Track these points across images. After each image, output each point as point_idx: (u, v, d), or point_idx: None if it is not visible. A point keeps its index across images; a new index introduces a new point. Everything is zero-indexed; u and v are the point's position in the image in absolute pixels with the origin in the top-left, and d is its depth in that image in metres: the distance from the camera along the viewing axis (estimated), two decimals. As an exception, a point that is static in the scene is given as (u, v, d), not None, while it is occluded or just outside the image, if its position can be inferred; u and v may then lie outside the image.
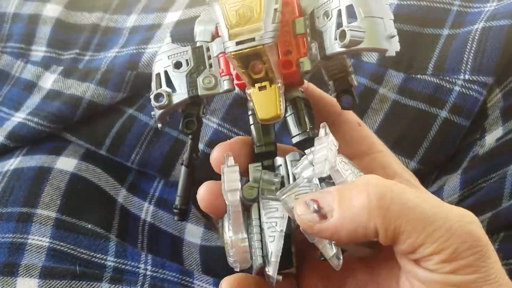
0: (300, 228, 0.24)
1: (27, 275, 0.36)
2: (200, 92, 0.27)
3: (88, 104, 0.44)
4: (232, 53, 0.24)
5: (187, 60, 0.28)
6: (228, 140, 0.28)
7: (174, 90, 0.28)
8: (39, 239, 0.38)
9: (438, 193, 0.39)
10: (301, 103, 0.27)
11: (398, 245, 0.22)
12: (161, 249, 0.42)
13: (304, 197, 0.24)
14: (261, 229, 0.25)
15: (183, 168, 0.30)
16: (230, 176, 0.25)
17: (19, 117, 0.47)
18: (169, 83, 0.28)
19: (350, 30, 0.23)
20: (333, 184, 0.24)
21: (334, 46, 0.24)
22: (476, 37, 0.41)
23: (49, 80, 0.48)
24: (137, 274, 0.37)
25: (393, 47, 0.25)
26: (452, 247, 0.21)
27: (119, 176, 0.44)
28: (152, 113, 0.29)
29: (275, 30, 0.24)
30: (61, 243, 0.38)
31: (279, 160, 0.27)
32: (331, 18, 0.25)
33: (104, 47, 0.50)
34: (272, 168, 0.27)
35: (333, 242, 0.24)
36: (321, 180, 0.25)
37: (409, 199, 0.22)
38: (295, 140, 0.27)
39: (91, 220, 0.40)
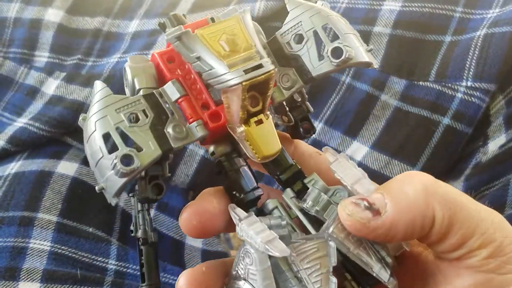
0: (350, 236, 0.22)
1: (29, 279, 0.36)
2: (174, 144, 0.23)
3: None
4: (243, 83, 0.22)
5: (143, 111, 0.23)
6: (195, 199, 0.25)
7: (139, 149, 0.22)
8: (40, 243, 0.38)
9: (440, 200, 0.39)
10: None
11: (448, 238, 0.21)
12: (162, 253, 0.42)
13: (348, 199, 0.22)
14: (299, 279, 0.22)
15: (145, 248, 0.26)
16: (257, 227, 0.22)
17: (21, 122, 0.47)
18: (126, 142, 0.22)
19: (345, 46, 0.23)
20: None
21: (323, 65, 0.24)
22: (479, 44, 0.41)
23: (52, 86, 0.49)
24: (138, 277, 0.38)
25: (373, 60, 0.25)
26: (499, 240, 0.21)
27: None
28: (98, 187, 0.23)
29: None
30: (62, 247, 0.38)
31: (270, 204, 0.25)
32: (307, 40, 0.24)
33: (107, 52, 0.50)
34: (262, 213, 0.25)
35: (388, 263, 0.23)
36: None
37: (457, 192, 0.22)
38: (285, 176, 0.25)
39: (92, 224, 0.40)
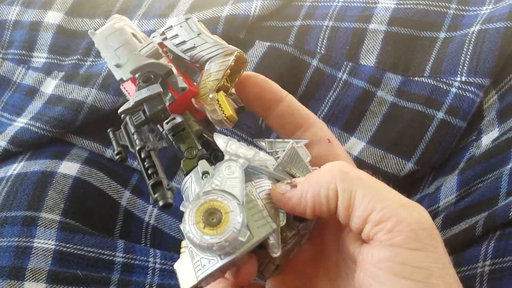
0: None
1: (34, 279, 0.38)
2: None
3: (89, 109, 0.47)
4: (238, 53, 0.32)
5: None
6: None
7: None
8: (44, 242, 0.40)
9: (435, 194, 0.41)
10: None
11: (354, 211, 0.25)
12: (165, 249, 0.44)
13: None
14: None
15: (144, 153, 0.29)
16: (243, 146, 0.30)
17: (21, 122, 0.49)
18: None
19: None
20: None
21: None
22: (473, 40, 0.44)
23: (50, 86, 0.51)
24: (146, 269, 0.40)
25: None
26: (401, 215, 0.24)
27: (122, 180, 0.47)
28: (114, 63, 0.30)
29: None
30: (68, 245, 0.40)
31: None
32: None
33: (105, 52, 0.52)
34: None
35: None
36: None
37: (364, 174, 0.26)
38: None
39: (95, 223, 0.42)
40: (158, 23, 0.52)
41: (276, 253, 0.26)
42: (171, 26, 0.34)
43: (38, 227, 0.41)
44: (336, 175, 0.26)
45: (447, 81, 0.44)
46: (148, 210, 0.46)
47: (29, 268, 0.38)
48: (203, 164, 0.29)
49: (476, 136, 0.42)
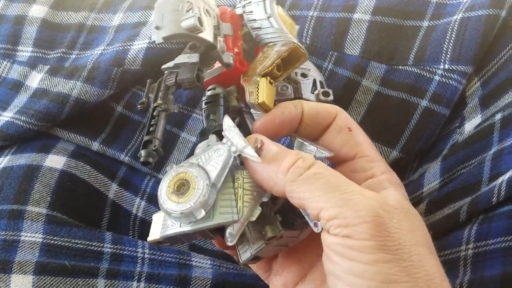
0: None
1: (21, 272, 0.38)
2: (218, 47, 0.33)
3: (75, 102, 0.46)
4: (295, 44, 0.33)
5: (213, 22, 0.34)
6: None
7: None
8: (31, 235, 0.40)
9: (419, 180, 0.42)
10: None
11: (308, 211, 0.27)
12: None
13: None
14: (235, 194, 0.29)
15: (157, 111, 0.31)
16: (240, 133, 0.29)
17: (7, 116, 0.49)
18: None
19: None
20: None
21: (311, 96, 0.39)
22: (455, 28, 0.44)
23: (35, 79, 0.51)
24: (135, 258, 0.40)
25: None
26: (346, 213, 0.26)
27: (109, 173, 0.47)
28: (155, 25, 0.30)
29: None
30: (55, 238, 0.40)
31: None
32: (308, 78, 0.40)
33: (90, 45, 0.52)
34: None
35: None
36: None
37: (318, 172, 0.27)
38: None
39: (82, 215, 0.42)
40: (144, 15, 0.51)
41: (230, 242, 0.28)
42: (251, 2, 0.36)
43: (25, 221, 0.41)
44: (285, 183, 0.27)
45: (431, 69, 0.44)
46: (135, 202, 0.46)
47: (16, 261, 0.38)
48: (211, 139, 0.31)
49: (459, 123, 0.43)
